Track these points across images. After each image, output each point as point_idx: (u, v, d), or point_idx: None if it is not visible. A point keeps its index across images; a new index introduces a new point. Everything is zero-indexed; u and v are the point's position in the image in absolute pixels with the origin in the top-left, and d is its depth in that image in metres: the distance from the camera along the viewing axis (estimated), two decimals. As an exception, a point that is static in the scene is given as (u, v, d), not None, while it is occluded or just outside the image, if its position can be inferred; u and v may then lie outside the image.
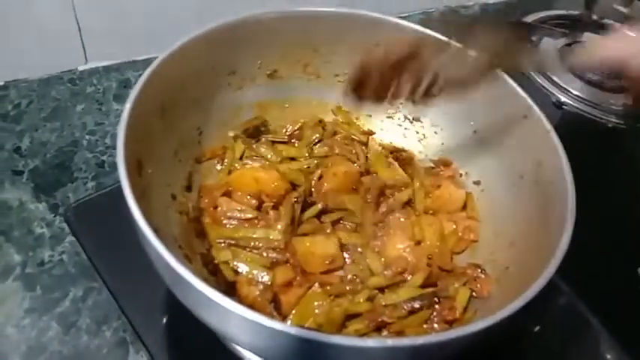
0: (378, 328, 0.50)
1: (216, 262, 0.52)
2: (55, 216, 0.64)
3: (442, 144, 0.66)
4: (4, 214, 0.64)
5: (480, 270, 0.54)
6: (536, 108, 0.54)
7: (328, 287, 0.51)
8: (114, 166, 0.71)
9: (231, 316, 0.37)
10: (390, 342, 0.36)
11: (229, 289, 0.51)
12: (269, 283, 0.50)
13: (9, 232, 0.62)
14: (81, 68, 0.83)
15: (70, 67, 0.83)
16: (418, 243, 0.56)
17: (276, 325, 0.35)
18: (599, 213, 0.64)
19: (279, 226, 0.54)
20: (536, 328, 0.58)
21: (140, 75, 0.49)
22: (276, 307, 0.50)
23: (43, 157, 0.71)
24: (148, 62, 0.50)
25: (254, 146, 0.62)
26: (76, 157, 0.71)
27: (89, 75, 0.83)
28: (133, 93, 0.47)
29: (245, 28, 0.58)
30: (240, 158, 0.61)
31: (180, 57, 0.52)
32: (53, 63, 0.81)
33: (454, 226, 0.59)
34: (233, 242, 0.53)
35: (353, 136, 0.65)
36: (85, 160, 0.71)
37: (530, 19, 0.97)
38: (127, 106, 0.45)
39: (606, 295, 0.61)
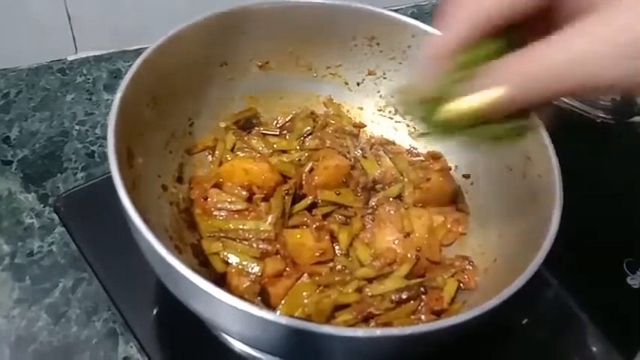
0: (366, 319, 0.50)
1: (206, 253, 0.52)
2: (44, 206, 0.64)
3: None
4: (-8, 204, 0.64)
5: (467, 262, 0.55)
6: (525, 102, 0.54)
7: (317, 278, 0.51)
8: (104, 157, 0.70)
9: (221, 306, 0.37)
10: (379, 332, 0.37)
11: (220, 280, 0.51)
12: (259, 274, 0.50)
13: (-2, 223, 0.62)
14: (71, 58, 0.83)
15: (60, 57, 0.82)
16: (407, 235, 0.57)
17: (266, 315, 0.36)
18: (586, 207, 0.64)
19: (269, 218, 0.54)
20: (525, 321, 0.59)
21: (131, 65, 0.48)
22: (263, 300, 0.50)
23: (32, 147, 0.70)
24: (138, 52, 0.50)
25: (245, 138, 0.62)
26: (65, 147, 0.71)
27: (79, 65, 0.82)
28: (124, 82, 0.47)
29: (237, 19, 0.58)
30: (232, 150, 0.61)
31: (172, 47, 0.52)
32: (43, 52, 0.81)
33: (443, 219, 0.59)
34: (223, 233, 0.53)
35: (344, 129, 0.66)
36: (75, 151, 0.71)
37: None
38: (118, 95, 0.45)
39: (593, 288, 0.62)
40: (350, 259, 0.55)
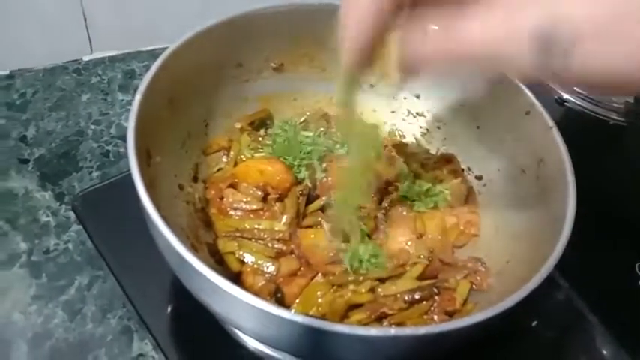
0: (380, 319, 0.50)
1: (222, 252, 0.53)
2: (60, 205, 0.65)
3: (445, 139, 0.66)
4: (10, 202, 0.65)
5: (480, 263, 0.55)
6: (538, 104, 0.55)
7: (331, 277, 0.52)
8: (119, 156, 0.71)
9: (238, 304, 0.37)
10: (393, 331, 0.37)
11: (235, 279, 0.51)
12: (274, 273, 0.51)
13: (15, 220, 0.63)
14: (86, 58, 0.84)
15: (76, 57, 0.83)
16: (420, 236, 0.57)
17: (282, 312, 0.36)
18: (599, 209, 0.64)
19: (284, 219, 0.54)
20: (534, 323, 0.59)
21: (145, 66, 0.49)
22: (277, 299, 0.50)
23: (48, 146, 0.71)
24: (153, 53, 0.51)
25: (260, 139, 0.63)
26: (81, 146, 0.72)
27: (94, 65, 0.83)
28: (143, 84, 0.47)
29: (252, 21, 0.58)
30: (246, 150, 0.62)
31: (189, 49, 0.53)
32: (59, 53, 0.82)
33: (456, 220, 0.59)
34: (238, 233, 0.54)
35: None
36: (91, 150, 0.72)
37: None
38: (137, 97, 0.46)
39: (604, 291, 0.62)
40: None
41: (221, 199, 0.56)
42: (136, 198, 0.41)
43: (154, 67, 0.49)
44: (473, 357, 0.50)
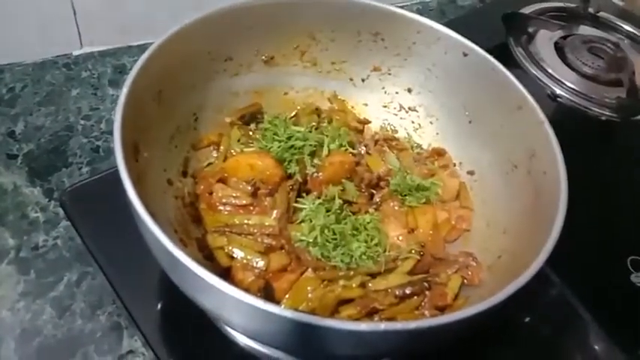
0: (370, 314, 0.50)
1: (211, 247, 0.52)
2: (49, 201, 0.65)
3: (437, 134, 0.66)
4: (-2, 197, 0.64)
5: (471, 258, 0.55)
6: (530, 99, 0.54)
7: (321, 272, 0.51)
8: (109, 151, 0.71)
9: (227, 300, 0.37)
10: (383, 326, 0.37)
11: (224, 274, 0.51)
12: (264, 268, 0.50)
13: (3, 216, 0.63)
14: (76, 53, 0.83)
15: (65, 52, 0.83)
16: (411, 231, 0.57)
17: (271, 308, 0.36)
18: (590, 205, 0.64)
19: (274, 213, 0.54)
20: (527, 319, 0.59)
21: (136, 60, 0.49)
22: (267, 294, 0.50)
23: (37, 141, 0.71)
24: (143, 48, 0.50)
25: (250, 133, 0.62)
26: (70, 141, 0.71)
27: (84, 60, 0.82)
28: (130, 77, 0.47)
29: (242, 14, 0.58)
30: (236, 145, 0.61)
31: (177, 42, 0.52)
32: (48, 47, 0.81)
33: (447, 215, 0.59)
34: (228, 228, 0.54)
35: (349, 125, 0.66)
36: (80, 145, 0.71)
37: (526, 10, 0.97)
38: (124, 90, 0.45)
39: (597, 287, 0.62)
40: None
41: (210, 193, 0.56)
42: (124, 193, 0.41)
43: (142, 60, 0.48)
44: (466, 352, 0.50)
